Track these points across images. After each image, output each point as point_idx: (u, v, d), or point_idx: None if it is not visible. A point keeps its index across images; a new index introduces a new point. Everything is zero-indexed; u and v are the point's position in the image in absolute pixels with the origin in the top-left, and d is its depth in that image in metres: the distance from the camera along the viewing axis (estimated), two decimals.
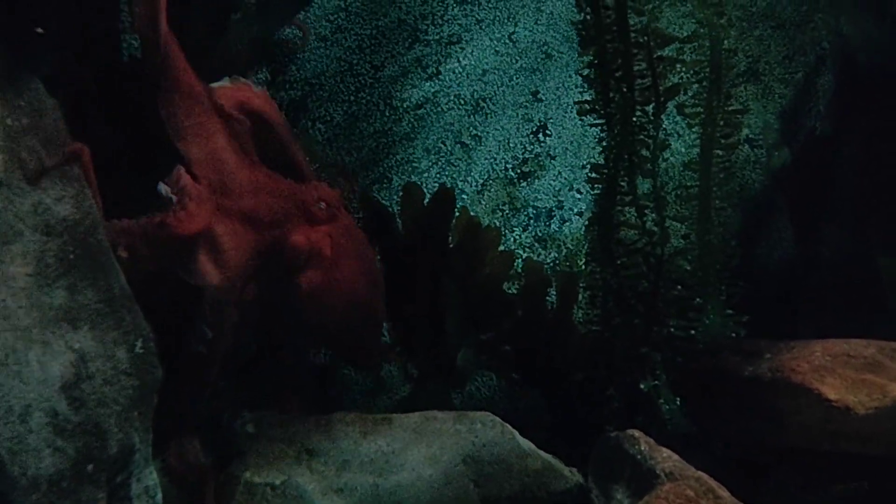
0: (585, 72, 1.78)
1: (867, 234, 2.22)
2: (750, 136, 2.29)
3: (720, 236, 1.83)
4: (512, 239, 2.21)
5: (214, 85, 1.59)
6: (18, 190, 1.18)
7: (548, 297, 1.95)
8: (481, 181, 2.23)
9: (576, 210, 2.25)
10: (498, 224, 2.20)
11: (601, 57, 1.76)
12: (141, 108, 1.57)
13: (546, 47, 2.25)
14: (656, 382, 1.72)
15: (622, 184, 1.80)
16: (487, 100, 2.23)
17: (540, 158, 2.25)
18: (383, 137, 2.19)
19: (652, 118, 1.76)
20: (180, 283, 1.53)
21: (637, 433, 1.46)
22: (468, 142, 2.23)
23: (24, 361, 1.17)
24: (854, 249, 2.22)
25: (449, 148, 2.22)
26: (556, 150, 2.26)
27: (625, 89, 1.77)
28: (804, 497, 1.66)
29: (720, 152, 1.81)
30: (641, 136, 1.77)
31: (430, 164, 2.21)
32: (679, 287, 1.79)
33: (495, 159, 2.23)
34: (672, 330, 1.76)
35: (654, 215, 1.79)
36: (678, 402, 1.70)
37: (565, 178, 2.26)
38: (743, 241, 2.07)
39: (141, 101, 1.56)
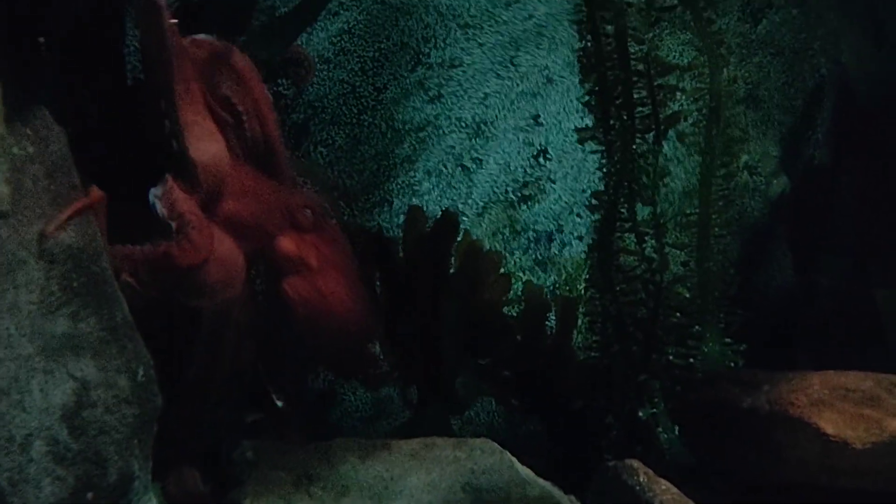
0: (586, 99, 1.79)
1: (866, 264, 2.23)
2: (749, 162, 2.31)
3: (719, 264, 1.84)
4: (512, 262, 2.22)
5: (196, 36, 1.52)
6: (23, 218, 1.18)
7: (547, 321, 1.96)
8: (482, 204, 2.24)
9: (576, 234, 2.26)
10: (498, 247, 2.21)
11: (602, 84, 1.78)
12: (144, 130, 1.58)
13: (547, 72, 2.27)
14: (655, 410, 1.72)
15: (622, 210, 1.81)
16: (488, 123, 2.25)
17: (540, 182, 2.26)
18: (384, 160, 2.20)
19: (652, 146, 1.78)
20: (180, 307, 1.54)
21: (636, 464, 1.46)
22: (469, 165, 2.24)
23: (27, 390, 1.17)
24: (852, 280, 2.24)
25: (450, 170, 2.23)
26: (557, 175, 2.27)
27: (625, 117, 1.78)
28: None
29: (720, 180, 1.83)
30: (641, 163, 1.79)
31: (431, 186, 2.22)
32: (678, 314, 1.80)
33: (496, 182, 2.25)
34: (671, 358, 1.77)
35: (653, 242, 1.80)
36: (677, 431, 1.71)
37: (565, 202, 2.27)
38: (742, 268, 2.08)
39: (144, 123, 1.57)
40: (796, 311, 2.28)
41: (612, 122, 1.79)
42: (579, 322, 1.96)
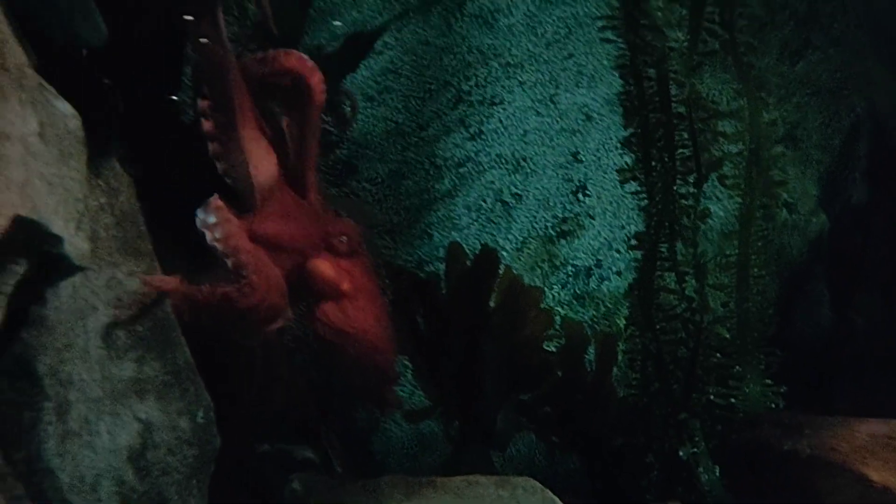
0: (627, 140, 1.82)
1: None
2: (788, 200, 2.32)
3: (759, 304, 1.86)
4: (551, 296, 2.25)
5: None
6: (95, 266, 1.23)
7: (586, 355, 1.98)
8: (521, 239, 2.28)
9: (615, 269, 2.29)
10: (537, 281, 2.24)
11: (643, 126, 1.80)
12: (202, 166, 1.60)
13: (586, 109, 2.30)
14: (695, 450, 1.74)
15: (662, 250, 1.83)
16: (528, 159, 2.28)
17: (579, 218, 2.29)
18: (426, 194, 2.24)
19: (693, 187, 1.80)
20: (235, 345, 1.58)
21: None
22: (509, 200, 2.27)
23: (96, 432, 1.22)
24: (889, 319, 2.24)
25: (490, 206, 2.27)
26: (596, 210, 2.30)
27: (666, 158, 1.81)
28: None
29: (759, 221, 1.85)
30: (682, 204, 1.81)
31: (471, 221, 2.26)
32: (718, 354, 1.81)
33: (535, 217, 2.28)
34: (712, 397, 1.78)
35: (693, 282, 1.82)
36: (718, 472, 1.72)
37: (604, 238, 2.30)
38: (780, 307, 2.09)
39: (201, 160, 1.60)
40: (833, 348, 2.29)
41: (653, 163, 1.82)
42: (619, 357, 1.98)
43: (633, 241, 1.84)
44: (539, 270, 2.27)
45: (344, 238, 1.60)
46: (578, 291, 2.28)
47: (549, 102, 2.29)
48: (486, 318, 1.95)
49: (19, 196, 0.93)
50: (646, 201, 1.80)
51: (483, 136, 2.26)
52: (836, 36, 2.44)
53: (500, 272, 1.96)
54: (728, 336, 1.84)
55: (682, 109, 1.79)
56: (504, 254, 2.24)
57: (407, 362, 2.01)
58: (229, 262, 1.47)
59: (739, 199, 1.84)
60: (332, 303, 1.58)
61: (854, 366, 2.24)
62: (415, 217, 2.24)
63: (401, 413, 2.11)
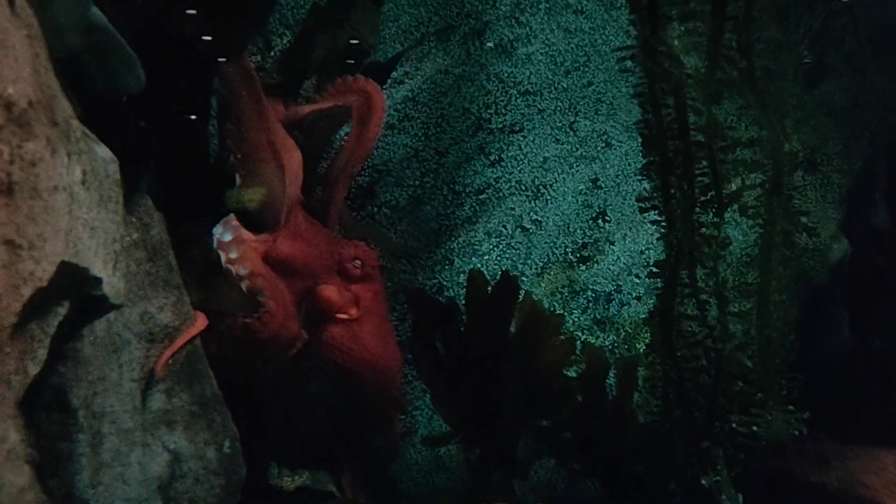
0: (646, 168, 1.82)
1: None
2: (808, 224, 2.32)
3: (780, 330, 1.85)
4: (571, 321, 2.26)
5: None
6: (128, 301, 1.26)
7: (607, 380, 1.98)
8: (541, 264, 2.29)
9: (634, 294, 2.30)
10: (557, 306, 2.25)
11: (662, 154, 1.81)
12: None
13: (606, 136, 2.32)
14: (718, 478, 1.74)
15: (683, 277, 1.83)
16: (548, 186, 2.30)
17: (599, 243, 2.30)
18: (446, 220, 2.27)
19: (712, 216, 1.80)
20: (257, 373, 1.60)
21: None
22: (528, 226, 2.29)
23: (127, 463, 1.25)
24: None
25: (510, 232, 2.28)
26: (615, 236, 2.31)
27: (685, 186, 1.82)
28: None
29: (780, 249, 1.85)
30: (703, 232, 1.81)
31: (491, 247, 2.28)
32: (741, 383, 1.81)
33: (555, 243, 2.29)
34: (734, 425, 1.78)
35: (714, 311, 1.82)
36: (741, 501, 1.72)
37: (624, 263, 2.31)
38: (800, 330, 2.09)
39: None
40: (852, 371, 2.28)
41: (672, 190, 1.82)
42: (639, 383, 1.98)
43: (654, 269, 1.85)
44: (559, 296, 2.28)
45: (358, 262, 1.63)
46: (598, 316, 2.29)
47: (568, 129, 2.31)
48: (506, 344, 1.96)
49: (64, 243, 0.97)
50: (665, 229, 1.81)
51: (503, 163, 2.28)
52: (850, 55, 2.44)
53: (521, 298, 1.97)
54: (749, 364, 1.83)
55: (700, 137, 1.80)
56: (524, 279, 2.26)
57: (426, 387, 2.02)
58: (244, 286, 1.49)
59: (760, 228, 1.84)
60: (339, 327, 1.60)
61: (873, 387, 2.23)
62: (435, 243, 2.26)
63: (420, 439, 2.13)
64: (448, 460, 2.12)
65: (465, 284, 2.00)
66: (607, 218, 2.31)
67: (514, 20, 2.25)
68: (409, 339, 1.99)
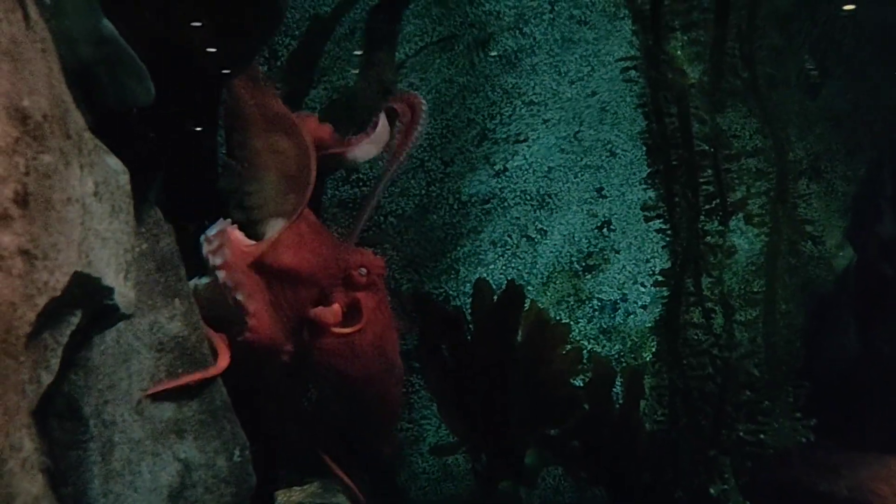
0: (651, 177, 1.83)
1: None
2: (813, 232, 2.33)
3: (786, 338, 1.85)
4: (577, 330, 2.26)
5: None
6: (138, 311, 1.27)
7: (613, 388, 1.99)
8: (546, 273, 2.30)
9: (640, 303, 2.30)
10: (563, 315, 2.26)
11: (666, 163, 1.82)
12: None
13: (610, 146, 2.33)
14: (726, 487, 1.74)
15: (688, 286, 1.84)
16: (553, 195, 2.31)
17: (605, 252, 2.31)
18: (451, 230, 2.28)
19: (717, 224, 1.81)
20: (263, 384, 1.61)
21: None
22: (534, 235, 2.30)
23: (138, 472, 1.25)
24: None
25: (515, 241, 2.29)
26: (621, 245, 2.32)
27: (689, 195, 1.82)
28: None
29: (786, 258, 1.85)
30: (708, 241, 1.82)
31: (497, 256, 2.28)
32: (747, 391, 1.81)
33: (560, 253, 2.30)
34: (741, 434, 1.78)
35: (720, 319, 1.82)
36: None
37: (629, 272, 2.31)
38: (806, 338, 2.09)
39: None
40: (859, 378, 2.28)
41: (676, 199, 1.83)
42: (646, 392, 1.98)
43: (659, 278, 1.85)
44: (565, 305, 2.29)
45: (363, 270, 1.62)
46: (604, 325, 2.29)
47: (572, 139, 2.32)
48: (512, 353, 1.97)
49: (77, 253, 0.98)
50: (671, 238, 1.81)
51: (508, 173, 2.29)
52: (849, 57, 2.45)
53: (526, 307, 1.98)
54: (756, 372, 1.84)
55: (704, 146, 1.81)
56: (530, 289, 2.26)
57: (432, 396, 2.03)
58: (219, 276, 1.48)
59: (765, 236, 1.85)
60: (340, 336, 1.59)
61: (881, 395, 2.23)
62: (441, 252, 2.27)
63: (428, 448, 2.13)
64: (456, 469, 2.12)
65: (470, 294, 2.01)
66: (612, 227, 2.31)
67: (517, 31, 2.26)
68: (416, 347, 2.00)
